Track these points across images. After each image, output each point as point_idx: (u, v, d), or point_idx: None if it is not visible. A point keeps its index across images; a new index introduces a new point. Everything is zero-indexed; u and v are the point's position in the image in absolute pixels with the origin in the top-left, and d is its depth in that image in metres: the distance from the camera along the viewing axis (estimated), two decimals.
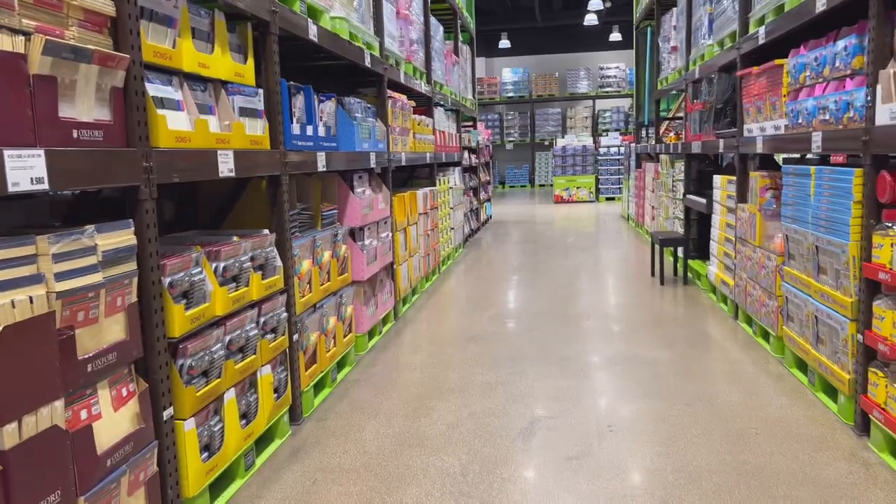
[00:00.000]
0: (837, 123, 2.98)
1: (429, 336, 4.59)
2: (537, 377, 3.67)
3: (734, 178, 4.72)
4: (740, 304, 4.55)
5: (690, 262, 6.29)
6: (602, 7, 17.46)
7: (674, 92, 8.42)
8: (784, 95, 3.70)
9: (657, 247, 6.26)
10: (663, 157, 7.90)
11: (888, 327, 2.54)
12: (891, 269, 2.50)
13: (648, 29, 9.53)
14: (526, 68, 22.01)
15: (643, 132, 10.73)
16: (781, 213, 3.63)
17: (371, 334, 4.47)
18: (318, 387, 3.50)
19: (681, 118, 9.03)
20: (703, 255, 6.49)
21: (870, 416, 2.68)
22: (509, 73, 22.04)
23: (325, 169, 3.49)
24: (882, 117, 2.55)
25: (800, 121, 3.43)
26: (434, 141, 6.76)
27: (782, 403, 3.17)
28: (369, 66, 4.44)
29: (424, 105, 6.85)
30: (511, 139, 22.47)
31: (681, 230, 6.72)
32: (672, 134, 8.49)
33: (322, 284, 3.49)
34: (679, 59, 7.10)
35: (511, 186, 22.54)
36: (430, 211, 6.42)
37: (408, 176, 7.00)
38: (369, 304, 4.36)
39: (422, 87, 6.27)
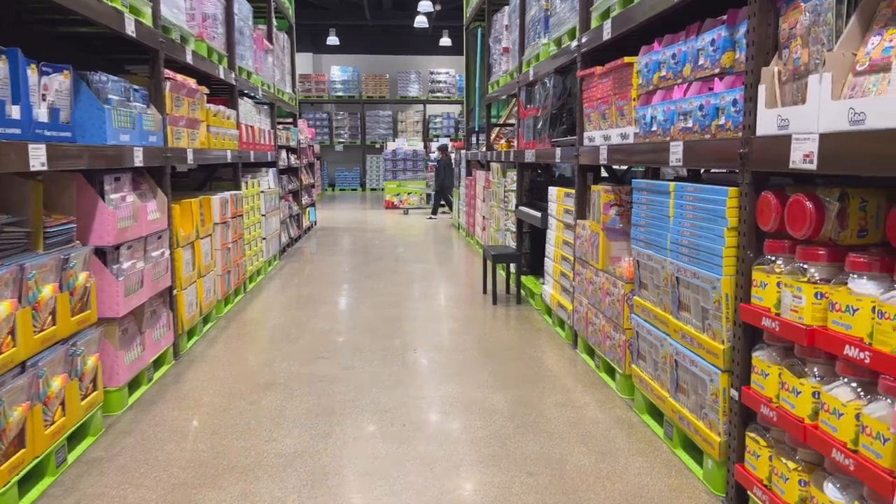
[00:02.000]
0: (703, 132, 2.49)
1: (216, 382, 3.63)
2: (350, 441, 2.88)
3: (572, 191, 4.25)
4: (580, 331, 4.07)
5: (524, 278, 5.84)
6: (432, 9, 17.11)
7: (504, 97, 8.03)
8: (634, 99, 3.22)
9: (489, 262, 5.73)
10: (494, 165, 7.46)
11: (773, 386, 2.04)
12: (777, 314, 2.00)
13: (479, 30, 9.11)
14: (356, 68, 21.20)
15: (474, 139, 10.35)
16: (632, 234, 3.14)
17: (135, 384, 3.43)
18: (33, 476, 2.46)
19: (512, 125, 8.69)
20: (537, 271, 6.07)
21: (749, 492, 2.19)
22: (338, 71, 21.09)
23: (45, 167, 2.45)
24: (765, 125, 2.06)
25: (654, 128, 2.95)
26: (238, 137, 5.75)
27: (639, 468, 2.63)
28: (134, 35, 3.41)
29: (226, 94, 5.81)
30: (341, 140, 21.54)
31: (513, 243, 6.27)
32: (503, 141, 8.10)
33: (38, 332, 2.45)
34: (511, 60, 6.67)
35: (342, 189, 21.60)
36: (231, 220, 5.41)
37: (206, 177, 5.91)
38: (132, 345, 3.33)
39: (220, 72, 5.24)
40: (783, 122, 1.96)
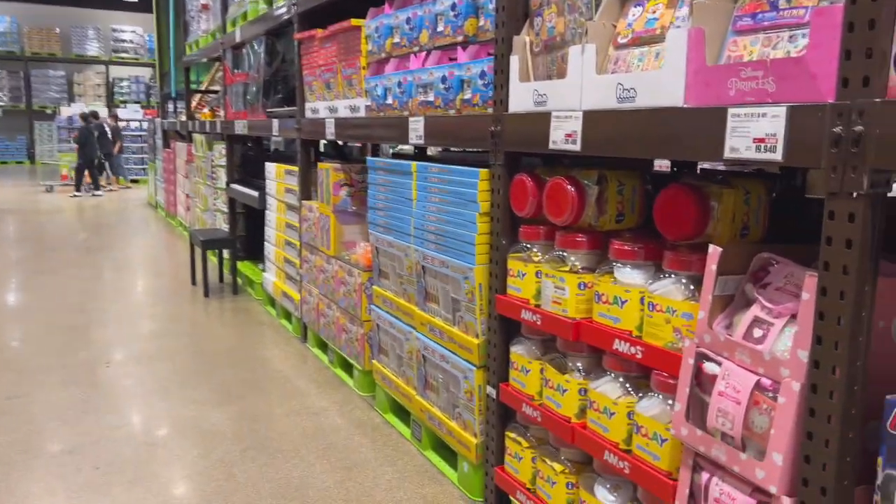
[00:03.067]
0: (447, 107, 2.26)
1: None
2: None
3: (295, 168, 3.82)
4: (311, 324, 3.70)
5: (240, 265, 5.25)
6: None
7: (206, 60, 7.18)
8: (364, 67, 2.90)
9: (198, 249, 5.03)
10: (198, 136, 6.64)
11: (535, 383, 1.91)
12: (538, 306, 1.86)
13: None
14: (14, 18, 17.77)
15: (170, 106, 9.21)
16: (368, 218, 2.84)
17: None
18: None
19: (217, 91, 7.87)
20: (256, 256, 5.52)
21: (511, 498, 2.05)
22: None
23: None
24: (520, 101, 1.88)
25: (388, 101, 2.66)
26: None
27: (390, 480, 2.37)
28: None
29: None
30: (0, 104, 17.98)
31: (225, 226, 5.61)
32: (207, 110, 7.26)
33: None
34: (212, 19, 5.92)
35: (3, 163, 18.09)
36: None
37: None
38: None
39: None
40: (541, 97, 1.79)
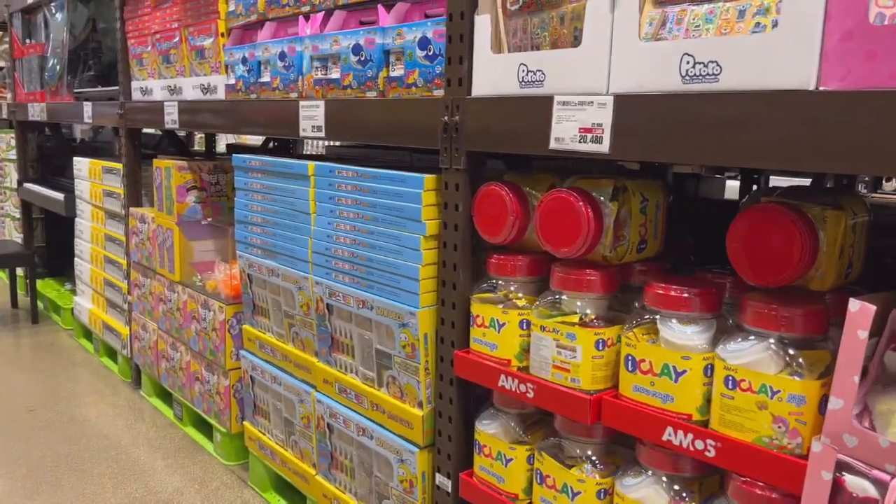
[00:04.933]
0: (363, 87, 1.64)
1: None
2: None
3: (117, 165, 2.96)
4: (147, 368, 2.87)
5: (40, 283, 4.17)
6: None
7: None
8: (223, 34, 2.17)
9: None
10: None
11: (518, 476, 1.36)
12: (524, 370, 1.32)
13: None
14: None
15: None
16: (237, 234, 2.12)
17: None
18: None
19: (2, 68, 6.44)
20: (61, 271, 4.46)
21: None
22: None
23: None
24: (492, 81, 1.32)
25: (265, 78, 1.98)
26: None
27: None
28: None
29: None
30: None
31: (17, 235, 4.47)
32: None
33: None
34: None
35: None
36: None
37: None
38: None
39: None
40: (533, 75, 1.24)
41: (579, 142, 1.17)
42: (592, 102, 1.14)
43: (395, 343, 1.57)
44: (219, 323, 2.29)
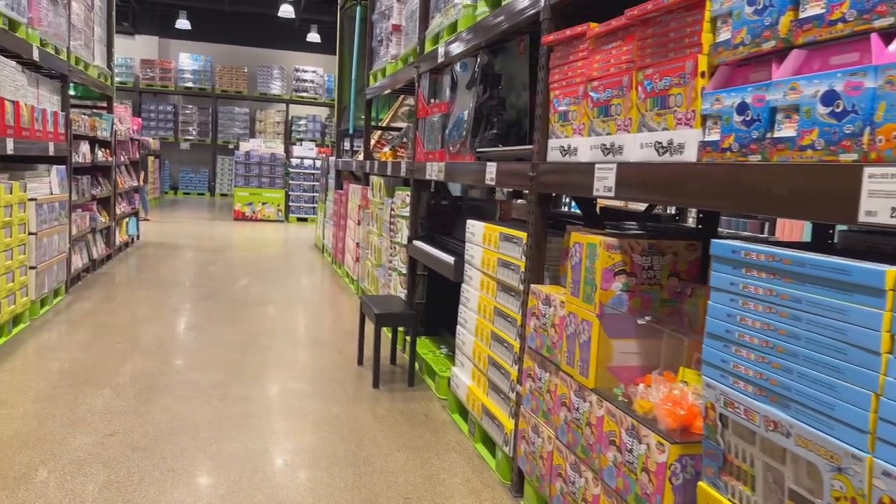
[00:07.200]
0: None
1: None
2: None
3: (519, 234, 2.58)
4: (533, 479, 2.39)
5: (419, 341, 4.10)
6: None
7: (389, 92, 6.27)
8: (702, 74, 1.60)
9: (369, 321, 3.94)
10: (376, 179, 5.68)
11: None
12: None
13: (357, 9, 7.31)
14: (209, 57, 18.62)
15: (346, 143, 8.51)
16: (705, 355, 1.49)
17: None
18: None
19: (398, 129, 6.98)
20: (435, 331, 4.38)
21: None
22: (188, 59, 18.43)
23: None
24: None
25: (782, 132, 1.33)
26: None
27: None
28: None
29: None
30: (188, 138, 18.81)
31: (400, 289, 4.52)
32: (387, 149, 6.35)
33: None
34: (405, 41, 4.96)
35: (186, 194, 18.86)
36: None
37: None
38: None
39: None
40: None
41: None
42: None
43: (824, 491, 0.75)
44: (655, 464, 1.67)
